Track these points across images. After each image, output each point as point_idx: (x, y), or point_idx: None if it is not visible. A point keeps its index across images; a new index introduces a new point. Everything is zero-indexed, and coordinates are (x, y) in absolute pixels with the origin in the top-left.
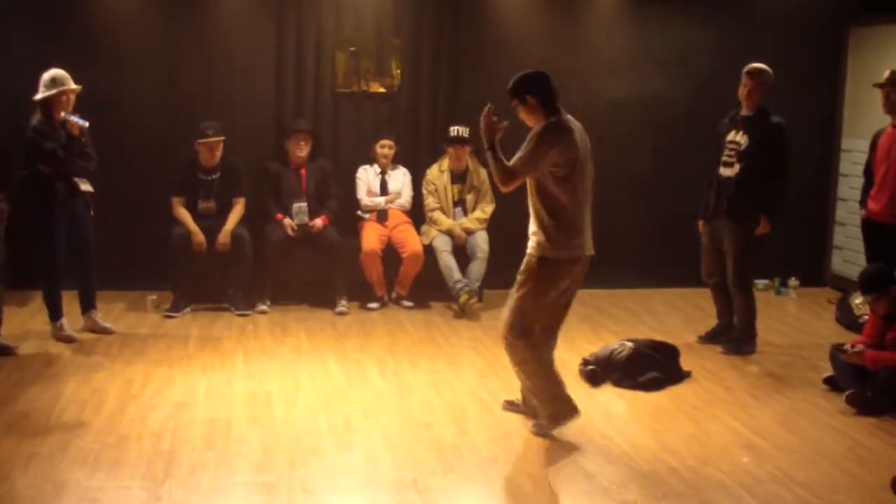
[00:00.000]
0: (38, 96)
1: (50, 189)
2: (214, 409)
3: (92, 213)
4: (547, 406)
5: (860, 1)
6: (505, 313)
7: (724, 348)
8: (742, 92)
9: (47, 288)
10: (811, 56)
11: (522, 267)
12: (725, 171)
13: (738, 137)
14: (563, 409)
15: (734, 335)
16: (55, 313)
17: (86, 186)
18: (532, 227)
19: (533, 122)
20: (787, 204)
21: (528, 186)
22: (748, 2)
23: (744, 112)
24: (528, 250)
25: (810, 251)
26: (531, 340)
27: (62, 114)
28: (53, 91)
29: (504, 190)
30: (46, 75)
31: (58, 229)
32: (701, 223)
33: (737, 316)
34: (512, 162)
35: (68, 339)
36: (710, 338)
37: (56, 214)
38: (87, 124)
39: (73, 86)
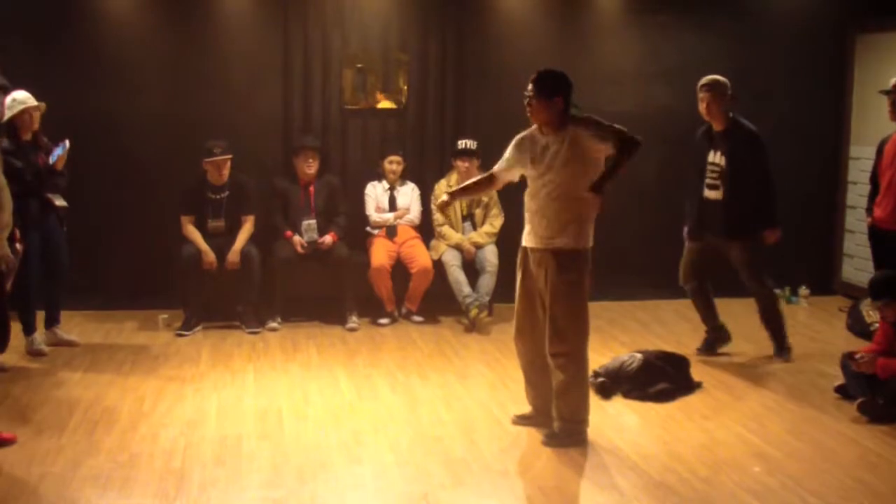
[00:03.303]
0: (4, 118)
1: (21, 206)
2: (225, 426)
3: (64, 228)
4: (574, 427)
5: (866, 8)
6: (558, 328)
7: (780, 357)
8: (702, 107)
9: (20, 305)
10: (817, 64)
11: (562, 269)
12: (711, 194)
13: (717, 159)
14: (584, 433)
15: (775, 342)
16: (28, 328)
17: (59, 202)
18: (557, 224)
19: (542, 118)
20: (780, 207)
21: (571, 178)
22: (753, 10)
23: (715, 127)
24: (558, 244)
25: (820, 259)
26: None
27: (49, 159)
28: (17, 109)
29: (635, 140)
30: (9, 98)
31: (30, 247)
32: (687, 235)
33: (765, 320)
34: (608, 133)
35: (39, 353)
36: (707, 348)
37: (28, 232)
38: (67, 145)
39: (34, 103)
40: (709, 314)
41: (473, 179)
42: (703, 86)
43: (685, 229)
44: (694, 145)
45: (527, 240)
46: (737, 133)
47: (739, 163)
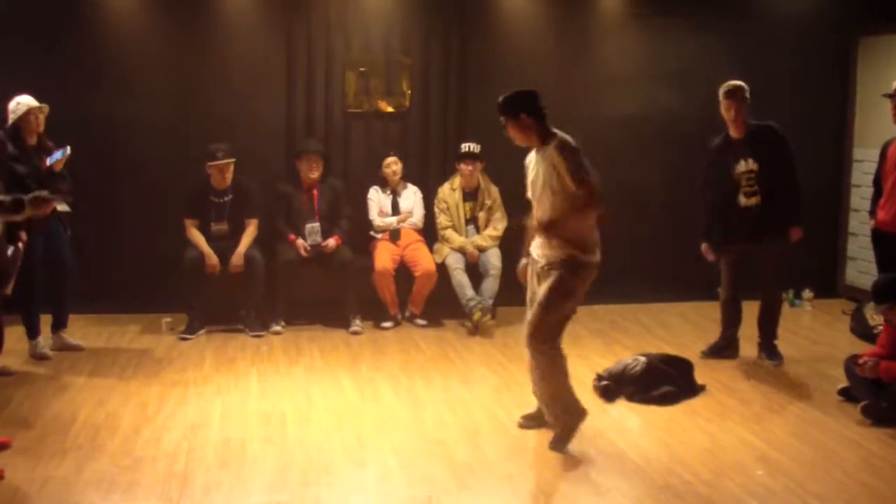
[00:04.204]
0: (10, 122)
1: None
2: (229, 430)
3: (69, 232)
4: (561, 418)
5: (868, 11)
6: (531, 321)
7: (774, 361)
8: (729, 115)
9: (24, 308)
10: (820, 67)
11: (552, 270)
12: (748, 201)
13: (750, 165)
14: (576, 414)
15: (769, 344)
16: (32, 332)
17: (62, 207)
18: (556, 237)
19: (523, 139)
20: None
21: (562, 196)
22: (756, 13)
23: (735, 135)
24: (559, 256)
25: (824, 262)
26: (559, 347)
27: (46, 161)
28: (21, 112)
29: (597, 204)
30: (12, 102)
31: (33, 250)
32: (704, 246)
33: (769, 322)
34: (579, 180)
35: (43, 357)
36: (713, 352)
37: (31, 236)
38: (68, 151)
39: (37, 104)
40: (732, 324)
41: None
42: (728, 93)
43: (704, 245)
44: (712, 158)
45: (533, 251)
46: (762, 136)
47: (773, 165)
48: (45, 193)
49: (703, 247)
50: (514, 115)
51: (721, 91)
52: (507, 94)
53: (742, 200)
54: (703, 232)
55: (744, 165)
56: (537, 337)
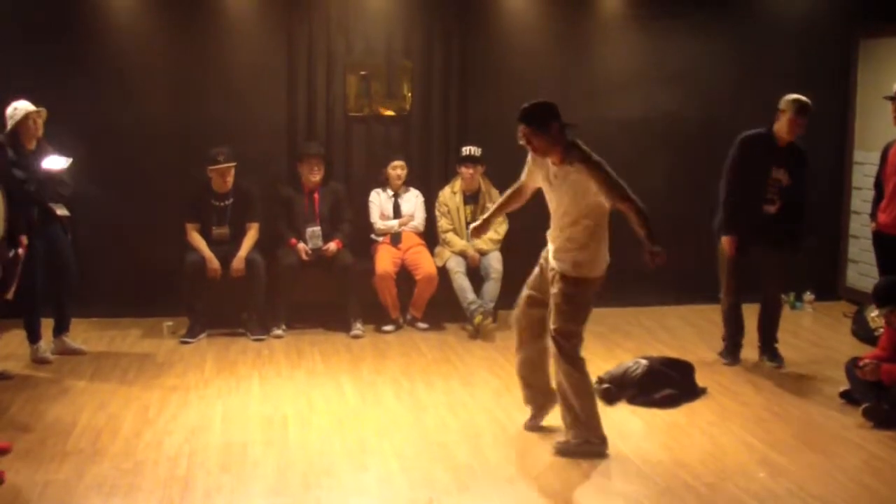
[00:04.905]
0: (8, 128)
1: (24, 215)
2: (230, 433)
3: (70, 237)
4: (587, 431)
5: (869, 13)
6: (553, 336)
7: (775, 363)
8: (794, 130)
9: (25, 312)
10: (821, 69)
11: (564, 286)
12: (768, 208)
13: (780, 175)
14: (599, 441)
15: (770, 346)
16: (33, 336)
17: (62, 211)
18: (570, 246)
19: (547, 149)
20: None
21: (584, 209)
22: (757, 15)
23: (785, 141)
24: (568, 270)
25: (825, 265)
26: (583, 365)
27: (43, 166)
28: (19, 116)
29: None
30: (9, 108)
31: (34, 255)
32: (728, 240)
33: (771, 324)
34: (618, 196)
35: (44, 361)
36: (730, 353)
37: (32, 240)
38: (68, 162)
39: (34, 108)
40: (738, 330)
41: (505, 195)
42: (803, 111)
43: (726, 238)
44: (746, 153)
45: (550, 252)
46: (798, 152)
47: (799, 180)
48: None
49: (726, 240)
50: (545, 126)
51: (793, 106)
52: (536, 104)
53: (763, 205)
54: (727, 225)
55: (774, 173)
56: (561, 336)
